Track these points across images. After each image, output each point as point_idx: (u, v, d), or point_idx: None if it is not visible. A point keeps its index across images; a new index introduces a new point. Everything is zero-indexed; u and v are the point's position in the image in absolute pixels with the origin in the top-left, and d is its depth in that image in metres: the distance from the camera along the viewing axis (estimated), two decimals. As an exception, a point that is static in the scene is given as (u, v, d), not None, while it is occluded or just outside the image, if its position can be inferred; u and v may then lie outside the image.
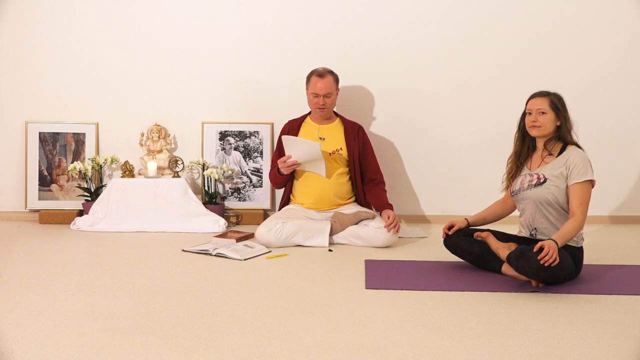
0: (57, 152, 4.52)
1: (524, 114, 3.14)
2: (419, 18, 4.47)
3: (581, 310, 2.60)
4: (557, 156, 3.06)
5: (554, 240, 2.78)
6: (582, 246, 3.04)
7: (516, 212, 3.30)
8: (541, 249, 2.75)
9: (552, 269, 2.75)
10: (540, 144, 3.13)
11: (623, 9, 4.42)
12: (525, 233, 3.14)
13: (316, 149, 3.75)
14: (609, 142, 4.51)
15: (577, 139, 3.11)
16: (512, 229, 3.33)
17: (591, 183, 3.00)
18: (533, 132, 3.08)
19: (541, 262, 2.71)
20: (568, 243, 2.96)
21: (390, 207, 3.87)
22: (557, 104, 3.05)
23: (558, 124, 3.05)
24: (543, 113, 3.03)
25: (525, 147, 3.17)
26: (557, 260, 2.73)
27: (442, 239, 3.32)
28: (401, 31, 4.48)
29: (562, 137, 3.06)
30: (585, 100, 4.48)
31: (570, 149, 3.06)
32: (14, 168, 4.55)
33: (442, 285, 2.93)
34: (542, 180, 3.04)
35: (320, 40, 4.48)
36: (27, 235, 4.04)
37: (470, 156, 4.52)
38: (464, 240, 3.21)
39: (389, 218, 3.72)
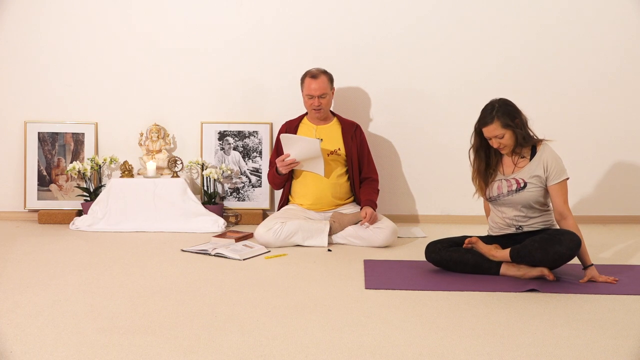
0: (56, 152, 4.52)
1: (477, 132, 3.13)
2: (418, 18, 4.47)
3: (580, 310, 2.60)
4: (530, 158, 3.08)
5: (589, 264, 2.99)
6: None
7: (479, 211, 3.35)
8: (564, 231, 2.93)
9: (580, 241, 2.88)
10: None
11: (623, 9, 4.42)
12: (508, 231, 3.15)
13: (316, 146, 3.74)
14: (608, 142, 4.51)
15: (534, 131, 3.11)
16: (481, 230, 3.38)
17: (567, 179, 3.07)
18: (503, 152, 3.10)
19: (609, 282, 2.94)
20: (546, 225, 3.10)
21: (372, 205, 3.86)
22: (506, 120, 3.01)
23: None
24: (501, 138, 3.03)
25: (490, 157, 3.15)
26: (613, 278, 2.97)
27: (426, 255, 3.20)
28: (400, 31, 4.48)
29: (522, 142, 3.04)
30: (584, 100, 4.49)
31: (542, 148, 3.08)
32: (13, 168, 4.55)
33: (442, 285, 2.93)
34: (522, 185, 3.06)
35: (319, 40, 4.48)
36: (26, 235, 4.03)
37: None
38: (455, 252, 3.13)
39: (366, 215, 3.75)
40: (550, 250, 2.85)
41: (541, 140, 3.11)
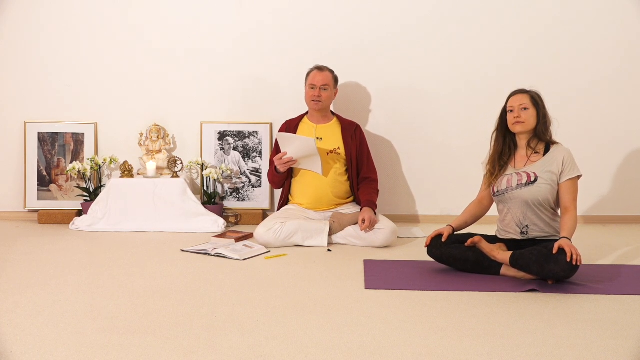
0: (56, 152, 4.52)
1: (503, 113, 3.17)
2: (418, 18, 4.47)
3: (580, 310, 2.60)
4: (543, 154, 3.08)
5: (566, 237, 2.88)
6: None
7: (492, 213, 3.31)
8: (562, 250, 2.81)
9: (577, 265, 2.81)
10: (522, 142, 3.15)
11: (623, 9, 4.42)
12: (514, 233, 3.13)
13: (311, 145, 3.75)
14: (608, 142, 4.51)
15: (554, 136, 3.14)
16: (491, 229, 3.36)
17: (579, 177, 3.07)
18: (517, 129, 3.10)
19: (573, 262, 2.77)
20: (553, 234, 3.06)
21: (372, 205, 3.85)
22: (537, 99, 3.10)
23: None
24: (525, 109, 3.07)
25: (506, 146, 3.18)
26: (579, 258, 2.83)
27: (426, 247, 3.20)
28: (400, 30, 4.48)
29: (540, 134, 3.08)
30: (584, 100, 4.50)
31: (557, 146, 3.10)
32: (13, 168, 4.55)
33: (441, 285, 2.93)
34: (533, 179, 3.05)
35: (319, 39, 4.48)
36: (26, 236, 4.03)
37: (468, 155, 4.51)
38: (456, 249, 3.11)
39: (364, 221, 3.71)
40: (546, 267, 2.84)
41: (557, 142, 3.13)
